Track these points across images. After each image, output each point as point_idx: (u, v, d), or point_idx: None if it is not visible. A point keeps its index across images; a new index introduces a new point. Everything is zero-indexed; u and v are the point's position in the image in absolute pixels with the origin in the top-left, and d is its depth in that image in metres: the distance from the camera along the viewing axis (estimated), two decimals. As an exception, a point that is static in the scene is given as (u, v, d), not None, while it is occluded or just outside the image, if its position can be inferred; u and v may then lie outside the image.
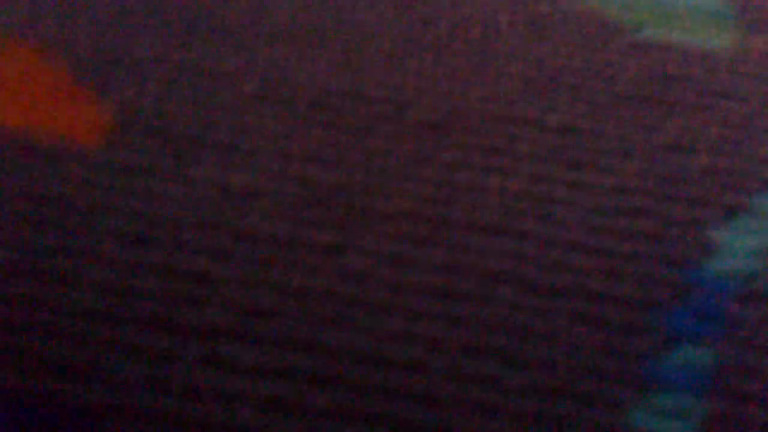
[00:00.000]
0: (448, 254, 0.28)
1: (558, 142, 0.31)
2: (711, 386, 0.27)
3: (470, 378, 0.26)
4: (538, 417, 0.25)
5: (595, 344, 0.27)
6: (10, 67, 0.30)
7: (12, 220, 0.27)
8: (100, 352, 0.25)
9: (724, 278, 0.29)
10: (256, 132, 0.30)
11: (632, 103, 0.33)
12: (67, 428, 0.24)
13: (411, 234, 0.29)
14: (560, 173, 0.31)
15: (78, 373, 0.25)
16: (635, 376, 0.27)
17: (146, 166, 0.29)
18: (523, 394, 0.26)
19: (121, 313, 0.26)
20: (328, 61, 0.33)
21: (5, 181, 0.28)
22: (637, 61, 0.35)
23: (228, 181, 0.29)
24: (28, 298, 0.26)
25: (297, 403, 0.25)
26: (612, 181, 0.30)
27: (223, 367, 0.25)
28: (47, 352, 0.25)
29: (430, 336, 0.27)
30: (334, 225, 0.28)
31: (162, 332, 0.26)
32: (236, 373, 0.25)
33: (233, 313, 0.26)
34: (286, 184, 0.29)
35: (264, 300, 0.27)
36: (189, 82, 0.32)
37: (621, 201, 0.30)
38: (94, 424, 0.24)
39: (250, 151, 0.30)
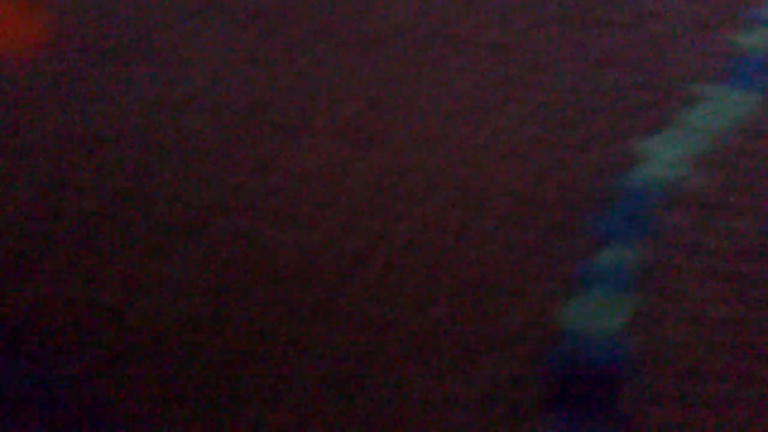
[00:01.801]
0: (386, 158, 0.30)
1: (491, 59, 0.33)
2: (637, 283, 0.29)
3: (410, 271, 0.28)
4: (475, 310, 0.27)
5: (526, 244, 0.29)
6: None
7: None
8: (40, 250, 0.26)
9: (648, 185, 0.31)
10: (192, 44, 0.31)
11: (563, 22, 0.35)
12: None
13: (351, 141, 0.30)
14: (493, 87, 0.32)
15: (17, 271, 0.25)
16: (565, 275, 0.29)
17: (83, 77, 0.30)
18: (460, 290, 0.27)
19: (62, 208, 0.27)
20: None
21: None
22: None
23: (163, 93, 0.30)
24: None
25: (238, 295, 0.26)
26: (542, 95, 0.32)
27: (169, 260, 0.26)
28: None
29: (370, 232, 0.28)
30: (265, 139, 0.30)
31: (107, 227, 0.27)
32: (181, 266, 0.26)
33: (178, 209, 0.27)
34: (216, 98, 0.30)
35: (207, 197, 0.28)
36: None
37: (551, 114, 0.32)
38: (29, 329, 0.25)
39: (186, 61, 0.31)
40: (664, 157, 0.33)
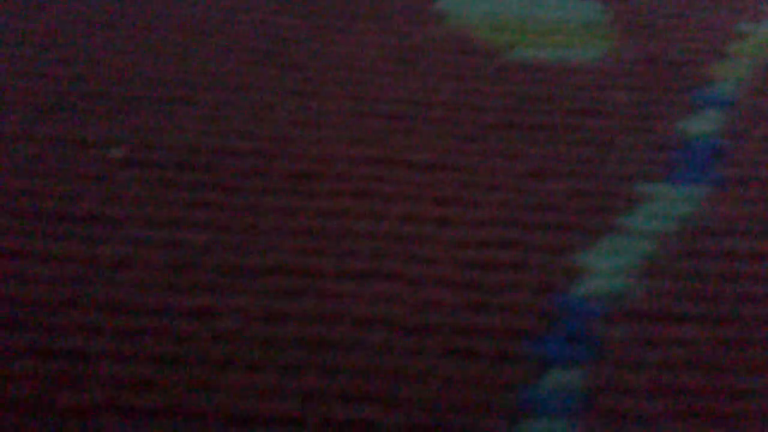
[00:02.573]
0: (319, 304, 0.30)
1: (425, 180, 0.33)
2: (583, 408, 0.29)
3: (348, 425, 0.28)
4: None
5: (467, 378, 0.29)
6: None
7: None
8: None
9: (590, 300, 0.31)
10: (124, 200, 0.32)
11: (499, 131, 0.35)
12: None
13: (282, 288, 0.30)
14: (427, 211, 0.33)
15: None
16: (508, 405, 0.29)
17: (15, 249, 0.31)
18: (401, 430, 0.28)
19: (-3, 399, 0.27)
20: (196, 120, 0.35)
21: None
22: (506, 86, 0.37)
23: (95, 254, 0.30)
24: None
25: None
26: (478, 214, 0.32)
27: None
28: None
29: (305, 388, 0.28)
30: (205, 287, 0.30)
31: (41, 413, 0.27)
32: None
33: (110, 388, 0.28)
34: (154, 251, 0.31)
35: (138, 371, 0.28)
36: (56, 155, 0.34)
37: (486, 234, 0.32)
38: None
39: (118, 220, 0.31)
40: (605, 269, 0.32)
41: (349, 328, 0.31)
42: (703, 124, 0.38)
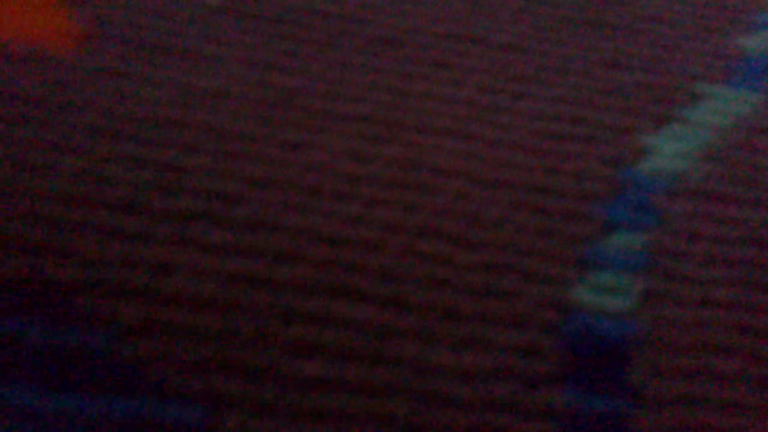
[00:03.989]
0: (401, 151, 0.32)
1: (503, 59, 0.35)
2: (645, 266, 0.31)
3: (424, 256, 0.29)
4: (488, 291, 0.29)
5: (539, 229, 0.31)
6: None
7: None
8: (75, 234, 0.28)
9: (655, 176, 0.33)
10: (222, 41, 0.34)
11: (573, 25, 0.37)
12: (43, 303, 0.27)
13: (368, 134, 0.32)
14: (504, 85, 0.34)
15: (54, 253, 0.27)
16: (576, 256, 0.30)
17: (117, 70, 0.32)
18: (473, 271, 0.29)
19: (95, 198, 0.29)
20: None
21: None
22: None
23: (195, 84, 0.32)
24: (5, 184, 0.28)
25: (260, 278, 0.28)
26: (551, 92, 0.34)
27: (192, 246, 0.28)
28: (26, 234, 0.28)
29: (386, 220, 0.30)
30: (296, 124, 0.32)
31: (134, 216, 0.28)
32: (204, 252, 0.28)
33: (202, 199, 0.29)
34: (250, 88, 0.32)
35: (231, 187, 0.30)
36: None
37: (559, 109, 0.34)
38: (70, 299, 0.27)
39: (216, 57, 0.33)
40: (669, 151, 0.34)
41: (428, 174, 0.32)
42: (761, 43, 0.40)
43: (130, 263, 0.28)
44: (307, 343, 0.27)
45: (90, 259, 0.28)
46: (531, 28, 0.38)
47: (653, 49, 0.38)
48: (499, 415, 0.27)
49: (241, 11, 0.36)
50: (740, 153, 0.35)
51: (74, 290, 0.28)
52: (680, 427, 0.28)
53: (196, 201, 0.30)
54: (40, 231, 0.29)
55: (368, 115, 0.34)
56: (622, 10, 0.39)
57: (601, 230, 0.32)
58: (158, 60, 0.34)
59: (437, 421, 0.27)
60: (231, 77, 0.33)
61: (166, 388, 0.26)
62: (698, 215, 0.33)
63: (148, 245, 0.28)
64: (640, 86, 0.36)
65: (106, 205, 0.30)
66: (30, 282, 0.28)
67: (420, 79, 0.35)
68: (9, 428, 0.26)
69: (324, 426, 0.26)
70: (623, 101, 0.36)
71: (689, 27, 0.40)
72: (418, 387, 0.27)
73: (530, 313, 0.29)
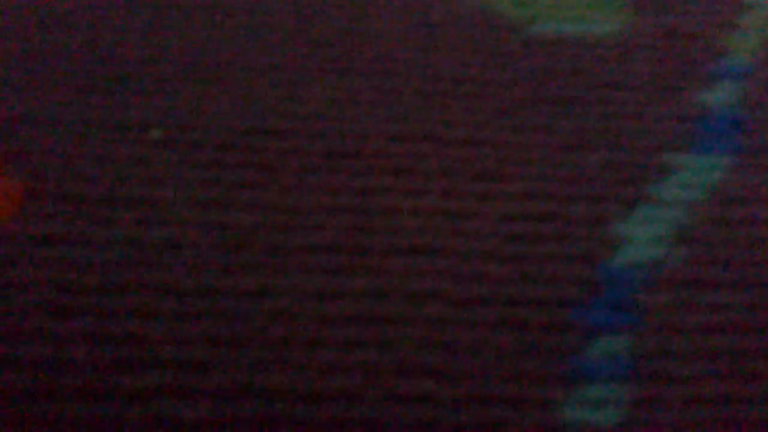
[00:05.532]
0: (371, 281, 0.31)
1: (462, 155, 0.34)
2: (632, 372, 0.30)
3: (407, 399, 0.28)
4: (477, 426, 0.28)
5: (519, 348, 0.30)
6: None
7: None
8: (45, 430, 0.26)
9: (631, 269, 0.32)
10: (168, 182, 0.32)
11: (529, 105, 0.36)
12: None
13: (332, 266, 0.31)
14: (469, 186, 0.33)
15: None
16: (561, 373, 0.30)
17: (60, 234, 0.30)
18: (458, 407, 0.28)
19: (58, 388, 0.27)
20: (231, 100, 0.35)
21: None
22: (531, 61, 0.38)
23: (145, 237, 0.30)
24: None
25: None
26: (517, 188, 0.33)
27: (167, 426, 0.27)
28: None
29: (364, 363, 0.29)
30: (255, 268, 0.30)
31: (103, 400, 0.27)
32: (180, 430, 0.27)
33: (169, 371, 0.28)
34: (204, 233, 0.31)
35: (198, 354, 0.28)
36: (95, 138, 0.33)
37: (527, 207, 0.33)
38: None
39: (164, 202, 0.31)
40: (643, 237, 0.33)
41: (401, 303, 0.31)
42: (721, 95, 0.39)
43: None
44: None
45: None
46: (485, 116, 0.37)
47: (615, 121, 0.37)
48: None
49: (184, 141, 0.34)
50: (715, 230, 0.34)
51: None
52: None
53: (163, 375, 0.29)
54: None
55: (331, 244, 0.32)
56: (577, 82, 0.38)
57: (582, 338, 0.31)
58: (103, 214, 0.32)
59: None
60: (183, 224, 0.32)
61: None
62: (678, 306, 0.32)
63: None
64: (606, 167, 0.35)
65: (71, 398, 0.28)
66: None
67: (381, 193, 0.34)
68: None
69: None
70: (590, 187, 0.35)
71: (648, 89, 0.38)
72: None
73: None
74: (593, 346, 0.31)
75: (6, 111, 0.34)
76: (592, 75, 0.38)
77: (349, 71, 0.37)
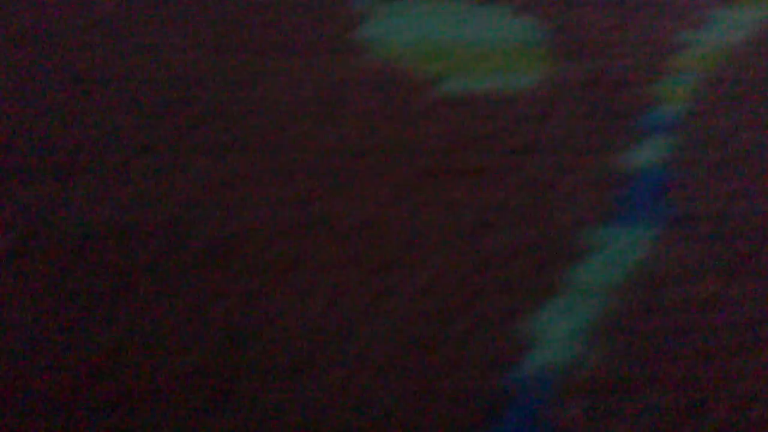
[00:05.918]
0: (246, 413, 0.27)
1: (360, 245, 0.31)
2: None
3: None
4: None
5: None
6: None
7: None
8: None
9: (543, 373, 0.29)
10: (11, 301, 0.28)
11: (435, 178, 0.33)
12: None
13: (203, 396, 0.27)
14: (365, 279, 0.30)
15: None
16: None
17: None
18: None
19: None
20: (92, 192, 0.31)
21: None
22: (438, 126, 0.34)
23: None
24: None
25: None
26: (417, 281, 0.30)
27: None
28: None
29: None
30: (114, 404, 0.27)
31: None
32: None
33: None
34: (55, 360, 0.27)
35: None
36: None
37: (428, 304, 0.30)
38: None
39: (11, 326, 0.28)
40: (557, 333, 0.30)
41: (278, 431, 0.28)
42: (649, 154, 0.35)
43: None
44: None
45: None
46: (387, 194, 0.33)
47: (529, 193, 0.33)
48: None
49: (34, 250, 0.30)
50: (640, 320, 0.31)
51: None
52: None
53: None
54: None
55: (199, 369, 0.29)
56: (488, 147, 0.34)
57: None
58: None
59: None
60: (31, 353, 0.28)
61: None
62: (597, 414, 0.29)
63: None
64: (517, 249, 0.32)
65: None
66: None
67: (261, 298, 0.30)
68: None
69: None
70: (497, 277, 0.31)
71: (568, 152, 0.35)
72: None
73: None
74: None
75: None
76: (505, 138, 0.35)
77: (231, 149, 0.33)
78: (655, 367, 0.29)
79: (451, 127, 0.34)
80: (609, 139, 0.35)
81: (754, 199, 0.34)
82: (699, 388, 0.29)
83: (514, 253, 0.31)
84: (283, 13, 0.35)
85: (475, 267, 0.31)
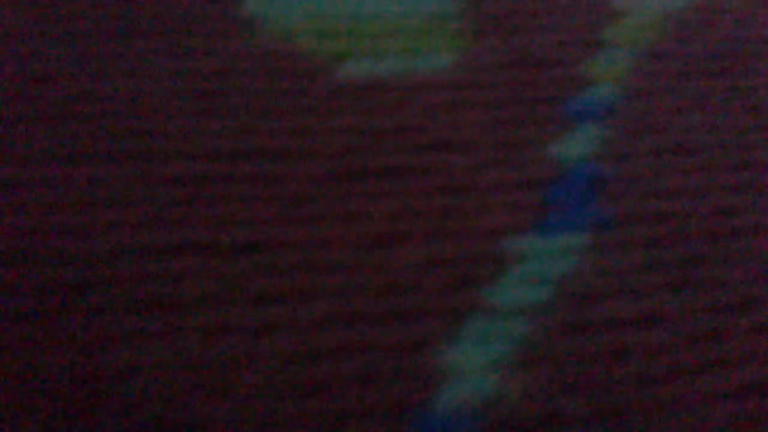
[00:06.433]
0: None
1: (237, 270, 0.26)
2: None
3: None
4: None
5: None
6: None
7: None
8: None
9: (456, 414, 0.25)
10: None
11: (333, 184, 0.28)
12: None
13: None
14: (241, 316, 0.26)
15: None
16: None
17: None
18: None
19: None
20: None
21: None
22: (338, 119, 0.30)
23: None
24: None
25: None
26: (310, 311, 0.26)
27: None
28: None
29: None
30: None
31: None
32: None
33: None
34: None
35: None
36: None
37: (322, 338, 0.26)
38: None
39: None
40: (472, 365, 0.27)
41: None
42: (579, 145, 0.32)
43: None
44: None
45: None
46: (275, 206, 0.28)
47: (439, 198, 0.29)
48: None
49: None
50: (566, 341, 0.28)
51: None
52: None
53: None
54: None
55: None
56: (393, 143, 0.29)
57: None
58: None
59: None
60: None
61: None
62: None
63: None
64: (426, 266, 0.28)
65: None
66: None
67: (134, 340, 0.26)
68: None
69: None
70: (404, 300, 0.27)
71: (485, 146, 0.31)
72: None
73: None
74: None
75: None
76: (412, 133, 0.31)
77: (83, 156, 0.28)
78: (585, 398, 0.26)
79: (353, 121, 0.30)
80: (532, 130, 0.31)
81: (699, 195, 0.30)
82: (635, 420, 0.26)
83: (424, 271, 0.27)
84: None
85: (376, 290, 0.27)
